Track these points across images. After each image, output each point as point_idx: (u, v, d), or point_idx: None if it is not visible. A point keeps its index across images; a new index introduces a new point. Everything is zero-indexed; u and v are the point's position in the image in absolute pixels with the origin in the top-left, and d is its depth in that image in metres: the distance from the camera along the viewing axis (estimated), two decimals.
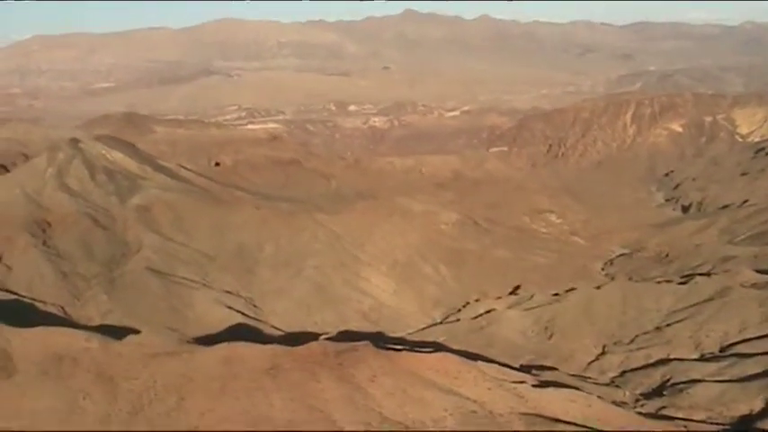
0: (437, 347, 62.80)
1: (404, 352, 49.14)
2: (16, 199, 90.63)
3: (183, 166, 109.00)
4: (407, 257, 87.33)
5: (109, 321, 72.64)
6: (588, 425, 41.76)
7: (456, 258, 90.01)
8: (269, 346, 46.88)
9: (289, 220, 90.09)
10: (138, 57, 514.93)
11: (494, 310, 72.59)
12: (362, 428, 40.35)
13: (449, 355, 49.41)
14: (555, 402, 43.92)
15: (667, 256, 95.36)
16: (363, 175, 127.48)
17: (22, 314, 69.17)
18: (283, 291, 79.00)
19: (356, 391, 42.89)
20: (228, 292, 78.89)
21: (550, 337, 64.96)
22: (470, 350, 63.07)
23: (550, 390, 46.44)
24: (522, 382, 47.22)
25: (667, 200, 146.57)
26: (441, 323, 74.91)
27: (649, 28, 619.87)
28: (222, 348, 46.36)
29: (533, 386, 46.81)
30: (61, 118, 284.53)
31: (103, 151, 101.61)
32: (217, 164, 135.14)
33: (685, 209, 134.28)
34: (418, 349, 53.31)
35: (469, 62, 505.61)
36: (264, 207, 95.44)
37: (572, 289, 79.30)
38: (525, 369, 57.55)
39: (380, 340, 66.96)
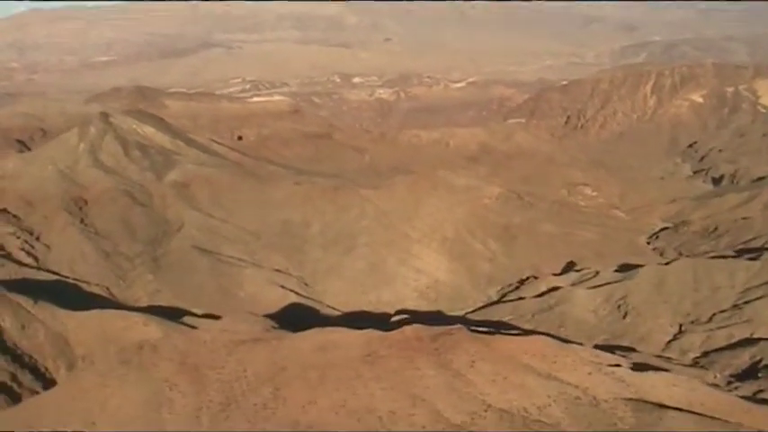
0: (507, 327, 60.69)
1: (498, 335, 46.71)
2: (50, 176, 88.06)
3: (214, 140, 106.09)
4: (456, 233, 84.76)
5: (157, 302, 70.60)
6: (694, 410, 39.46)
7: (504, 234, 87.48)
8: (362, 332, 44.37)
9: (333, 196, 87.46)
10: (136, 30, 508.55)
11: (558, 288, 70.13)
12: (468, 418, 38.16)
13: (543, 338, 47.07)
14: (658, 387, 41.55)
15: (716, 229, 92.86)
16: (393, 148, 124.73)
17: (67, 295, 66.84)
18: (335, 269, 76.55)
19: (456, 378, 40.61)
20: (278, 270, 76.45)
21: (625, 315, 62.63)
22: (541, 330, 60.95)
23: (650, 373, 44.09)
24: (617, 366, 44.90)
25: (695, 172, 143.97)
26: (501, 301, 72.44)
27: None
28: (314, 334, 43.92)
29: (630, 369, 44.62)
30: (63, 92, 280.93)
31: (134, 126, 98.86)
32: (239, 137, 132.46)
33: (716, 181, 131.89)
34: (505, 332, 50.98)
35: (471, 33, 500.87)
36: (303, 182, 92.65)
37: (627, 265, 77.22)
38: (602, 350, 55.28)
39: (443, 320, 64.71)
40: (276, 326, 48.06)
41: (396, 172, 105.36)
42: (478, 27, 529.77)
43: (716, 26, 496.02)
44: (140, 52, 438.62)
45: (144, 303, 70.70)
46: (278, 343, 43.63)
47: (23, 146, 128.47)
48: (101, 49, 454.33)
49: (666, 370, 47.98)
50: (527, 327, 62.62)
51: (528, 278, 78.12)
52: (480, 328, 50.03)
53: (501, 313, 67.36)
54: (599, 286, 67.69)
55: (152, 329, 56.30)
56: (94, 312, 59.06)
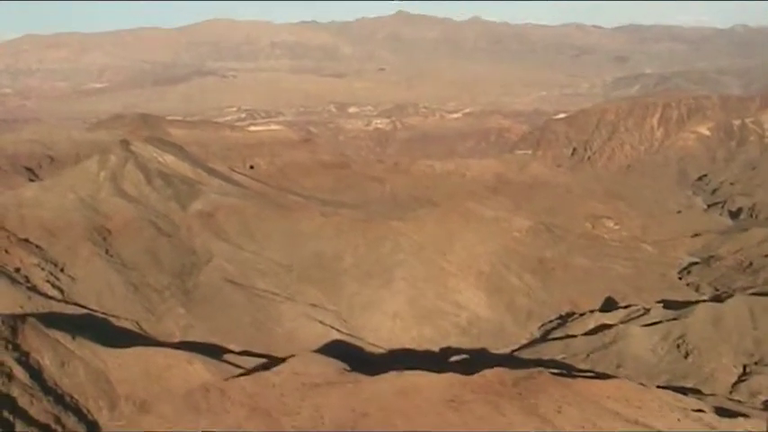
0: (563, 366, 58.42)
1: (579, 378, 44.46)
2: (71, 205, 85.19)
3: (233, 169, 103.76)
4: (491, 267, 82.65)
5: (191, 337, 68.07)
6: None
7: (538, 267, 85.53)
8: (443, 376, 42.00)
9: (365, 228, 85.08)
10: (130, 57, 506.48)
11: (607, 325, 67.98)
12: None
13: (624, 380, 44.90)
14: None
15: (751, 265, 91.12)
16: (409, 178, 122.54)
17: (99, 330, 63.96)
18: (374, 304, 74.06)
19: (545, 425, 38.44)
20: (314, 305, 73.80)
21: (686, 355, 60.38)
22: (599, 370, 58.84)
23: (740, 420, 42.00)
24: (701, 411, 42.74)
25: (710, 205, 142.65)
26: (549, 339, 70.12)
27: (641, 30, 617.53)
28: (394, 378, 41.44)
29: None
30: (57, 118, 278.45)
31: (155, 154, 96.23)
32: (251, 167, 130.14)
33: (733, 214, 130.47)
34: (577, 373, 48.76)
35: (464, 64, 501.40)
36: (329, 213, 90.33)
37: (666, 300, 75.41)
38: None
39: (493, 358, 62.47)
40: (348, 368, 45.33)
41: (418, 203, 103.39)
42: (471, 57, 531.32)
43: (706, 58, 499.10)
44: (133, 79, 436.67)
45: (177, 339, 68.08)
46: (354, 387, 41.17)
47: (32, 173, 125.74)
48: (93, 76, 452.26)
49: (746, 415, 45.85)
50: (582, 366, 60.39)
51: (573, 314, 75.90)
52: (554, 370, 47.77)
53: (551, 351, 65.03)
54: (653, 324, 65.52)
55: (197, 368, 53.76)
56: (136, 349, 56.41)
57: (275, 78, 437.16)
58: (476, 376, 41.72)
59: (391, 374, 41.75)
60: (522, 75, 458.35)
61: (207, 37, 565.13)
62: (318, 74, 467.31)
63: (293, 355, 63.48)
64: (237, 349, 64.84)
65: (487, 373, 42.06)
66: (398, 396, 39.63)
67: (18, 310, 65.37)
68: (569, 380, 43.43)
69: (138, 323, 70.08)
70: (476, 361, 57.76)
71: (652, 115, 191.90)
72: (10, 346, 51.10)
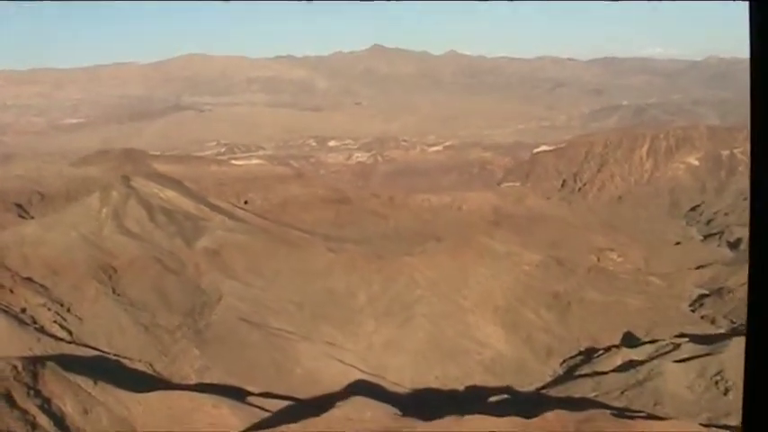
0: (598, 405, 56.69)
1: (638, 420, 42.76)
2: (74, 242, 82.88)
3: (235, 205, 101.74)
4: (506, 302, 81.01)
5: (207, 379, 65.81)
6: None
7: (554, 302, 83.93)
8: (504, 419, 40.16)
9: (378, 264, 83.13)
10: (105, 92, 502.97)
11: (635, 361, 66.36)
12: None
13: (683, 422, 43.23)
14: None
15: None
16: (409, 212, 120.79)
17: (113, 373, 61.52)
18: (394, 342, 72.03)
19: None
20: (332, 343, 71.62)
21: (726, 392, 58.79)
22: (636, 408, 57.14)
23: None
24: None
25: (705, 236, 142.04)
26: (577, 375, 68.29)
27: (615, 63, 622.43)
28: (453, 423, 39.45)
29: None
30: (35, 154, 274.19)
31: (156, 190, 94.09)
32: (245, 202, 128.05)
33: (732, 245, 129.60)
34: (632, 413, 47.04)
35: (441, 97, 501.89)
36: (337, 249, 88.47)
37: (684, 334, 74.06)
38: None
39: (522, 396, 60.73)
40: (399, 413, 43.23)
41: (422, 237, 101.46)
42: (448, 91, 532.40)
43: (681, 90, 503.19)
44: (109, 114, 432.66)
45: (193, 380, 65.80)
46: None
47: (22, 209, 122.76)
48: (69, 111, 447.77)
49: None
50: (617, 404, 58.58)
51: (594, 350, 74.24)
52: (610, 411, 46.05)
53: (582, 389, 63.24)
54: (686, 360, 63.93)
55: (223, 412, 51.79)
56: (159, 394, 54.28)
57: (252, 112, 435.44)
58: (537, 419, 39.93)
59: (448, 420, 39.76)
60: (500, 107, 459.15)
61: (182, 72, 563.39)
62: (295, 108, 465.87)
63: (315, 397, 61.54)
64: (257, 391, 62.77)
65: (548, 415, 40.25)
66: None
67: (28, 353, 62.98)
68: (629, 421, 41.78)
69: (151, 365, 67.74)
70: (513, 401, 56.07)
71: (641, 146, 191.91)
72: (32, 393, 48.73)
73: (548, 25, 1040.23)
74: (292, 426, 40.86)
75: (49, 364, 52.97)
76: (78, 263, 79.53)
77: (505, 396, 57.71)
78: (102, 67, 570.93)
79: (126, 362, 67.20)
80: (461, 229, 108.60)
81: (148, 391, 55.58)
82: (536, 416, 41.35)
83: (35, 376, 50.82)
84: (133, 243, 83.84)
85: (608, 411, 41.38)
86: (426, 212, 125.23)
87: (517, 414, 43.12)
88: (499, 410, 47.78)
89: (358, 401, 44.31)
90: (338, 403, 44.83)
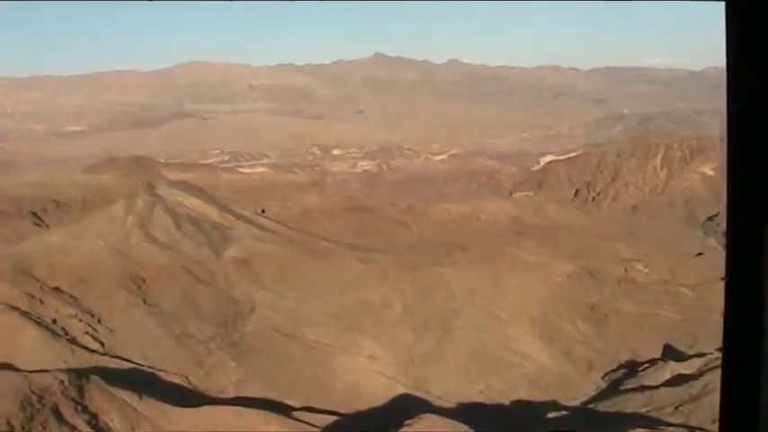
0: (654, 421, 55.16)
1: None
2: (101, 251, 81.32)
3: (257, 213, 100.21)
4: (542, 314, 79.34)
5: (245, 392, 64.20)
6: None
7: (589, 314, 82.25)
8: None
9: (413, 275, 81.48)
10: (106, 99, 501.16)
11: (686, 375, 64.74)
12: None
13: None
14: None
15: None
16: (430, 222, 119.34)
17: (150, 387, 59.89)
18: (435, 355, 70.28)
19: None
20: (372, 356, 69.97)
21: None
22: (693, 424, 55.47)
23: None
24: None
25: (725, 246, 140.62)
26: (624, 390, 66.53)
27: (617, 72, 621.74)
28: None
29: None
30: (39, 162, 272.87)
31: (180, 198, 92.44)
32: (263, 210, 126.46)
33: None
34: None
35: (443, 105, 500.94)
36: (366, 260, 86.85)
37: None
38: None
39: (572, 412, 59.15)
40: (469, 429, 41.48)
41: (448, 247, 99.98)
42: (450, 99, 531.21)
43: (683, 99, 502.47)
44: (111, 121, 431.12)
45: (231, 394, 64.24)
46: None
47: (37, 217, 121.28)
48: (70, 119, 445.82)
49: None
50: (672, 420, 56.88)
51: (635, 363, 72.57)
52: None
53: (632, 404, 61.41)
54: None
55: (273, 429, 50.03)
56: (205, 409, 52.77)
57: (255, 120, 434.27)
58: None
59: None
60: (502, 116, 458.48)
61: (183, 79, 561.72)
62: (297, 115, 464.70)
63: (359, 411, 59.89)
64: (297, 405, 61.23)
65: None
66: None
67: (62, 365, 61.41)
68: None
69: (186, 377, 66.06)
70: (572, 417, 54.57)
71: (654, 156, 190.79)
72: (79, 408, 47.12)
73: (548, 34, 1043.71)
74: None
75: (94, 377, 51.45)
76: (106, 272, 78.00)
77: (563, 412, 55.98)
78: (103, 74, 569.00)
79: (161, 374, 65.54)
80: (486, 238, 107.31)
81: (186, 406, 54.03)
82: None
83: (81, 390, 49.31)
84: (161, 252, 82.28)
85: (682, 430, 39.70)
86: (447, 222, 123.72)
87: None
88: (561, 427, 46.19)
89: (429, 419, 42.46)
90: (407, 421, 42.99)
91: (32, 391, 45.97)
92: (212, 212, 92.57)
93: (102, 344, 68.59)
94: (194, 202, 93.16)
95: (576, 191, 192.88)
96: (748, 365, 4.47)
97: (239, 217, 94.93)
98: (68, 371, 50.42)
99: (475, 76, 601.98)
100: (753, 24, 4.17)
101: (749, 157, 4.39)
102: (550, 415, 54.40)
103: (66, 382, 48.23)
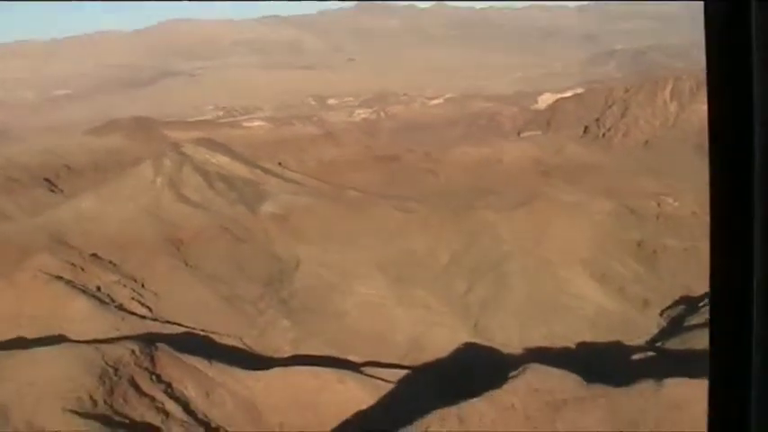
0: None
1: None
2: (134, 215, 79.22)
3: (286, 168, 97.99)
4: (591, 254, 77.58)
5: (304, 351, 62.34)
6: None
7: (637, 251, 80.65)
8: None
9: (455, 221, 79.50)
10: (90, 63, 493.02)
11: None
12: None
13: None
14: None
15: None
16: (458, 167, 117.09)
17: (207, 350, 58.04)
18: (491, 302, 68.46)
19: None
20: (427, 306, 68.23)
21: None
22: None
23: None
24: None
25: None
26: (689, 326, 65.01)
27: (606, 8, 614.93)
28: (653, 389, 35.98)
29: None
30: (32, 129, 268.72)
31: (207, 156, 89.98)
32: (279, 164, 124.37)
33: None
34: None
35: (432, 50, 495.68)
36: (403, 209, 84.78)
37: None
38: None
39: (659, 354, 57.47)
40: (581, 379, 39.65)
41: (479, 192, 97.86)
42: (437, 44, 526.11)
43: (676, 34, 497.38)
44: (99, 85, 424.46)
45: (287, 353, 62.48)
46: (608, 402, 35.73)
47: (51, 184, 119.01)
48: (58, 84, 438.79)
49: None
50: None
51: (697, 300, 70.96)
52: None
53: (702, 342, 59.92)
54: None
55: (350, 387, 48.37)
56: (278, 371, 50.92)
57: (244, 75, 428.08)
58: None
59: (647, 384, 36.34)
60: (493, 58, 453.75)
61: (167, 38, 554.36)
62: (287, 68, 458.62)
63: (426, 363, 58.30)
64: (359, 361, 59.47)
65: None
66: (670, 410, 34.25)
67: (115, 333, 59.73)
68: None
69: (240, 339, 64.33)
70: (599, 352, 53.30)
71: (663, 89, 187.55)
72: (154, 377, 45.26)
73: None
74: (474, 401, 37.31)
75: (161, 345, 49.54)
76: (142, 236, 76.02)
77: (650, 353, 54.34)
78: (85, 36, 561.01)
79: (215, 337, 63.78)
80: (514, 181, 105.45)
81: (249, 368, 52.28)
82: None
83: (152, 359, 47.46)
84: (195, 212, 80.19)
85: None
86: (470, 166, 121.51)
87: (667, 372, 39.95)
88: (659, 370, 44.45)
89: (538, 369, 40.66)
90: (520, 374, 41.10)
91: (107, 363, 44.09)
92: (241, 169, 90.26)
93: (149, 309, 66.74)
94: (222, 159, 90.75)
95: (586, 128, 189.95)
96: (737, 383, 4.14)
97: (267, 172, 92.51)
98: (138, 340, 48.46)
99: (462, 20, 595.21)
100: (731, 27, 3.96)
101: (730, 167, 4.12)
102: (635, 357, 52.67)
103: (138, 352, 46.36)
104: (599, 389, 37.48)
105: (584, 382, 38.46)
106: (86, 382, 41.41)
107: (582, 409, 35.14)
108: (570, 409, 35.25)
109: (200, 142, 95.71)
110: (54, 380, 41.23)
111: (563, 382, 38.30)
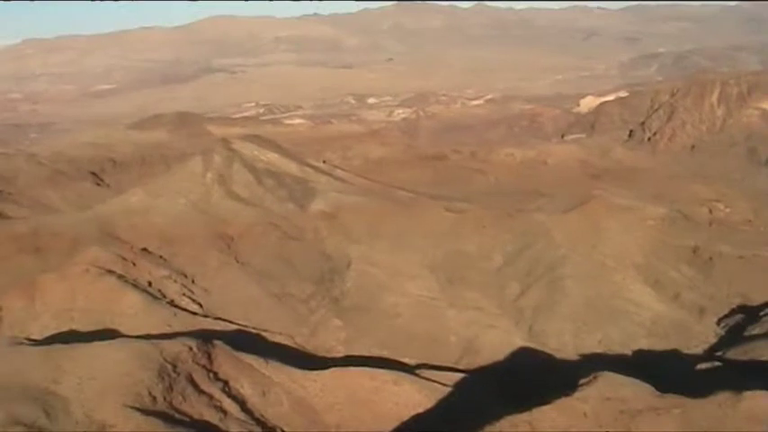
0: None
1: None
2: (183, 210, 79.06)
3: (335, 166, 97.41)
4: (645, 259, 76.14)
5: (356, 351, 61.68)
6: None
7: (692, 258, 78.95)
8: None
9: (509, 223, 78.40)
10: (133, 57, 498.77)
11: None
12: None
13: None
14: None
15: None
16: (507, 168, 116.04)
17: (260, 349, 57.37)
18: (546, 306, 67.27)
19: None
20: (480, 308, 67.28)
21: None
22: None
23: None
24: None
25: None
26: (750, 336, 63.49)
27: (647, 10, 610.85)
28: (733, 400, 34.84)
29: None
30: (74, 122, 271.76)
31: (256, 152, 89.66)
32: (323, 161, 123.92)
33: None
34: None
35: (472, 51, 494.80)
36: (456, 209, 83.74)
37: None
38: None
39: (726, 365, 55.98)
40: (653, 389, 38.59)
41: (529, 194, 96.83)
42: (478, 44, 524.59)
43: (717, 36, 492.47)
44: (141, 79, 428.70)
45: (340, 353, 61.90)
46: (683, 414, 34.61)
47: (97, 177, 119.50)
48: (100, 78, 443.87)
49: None
50: None
51: (757, 309, 69.38)
52: None
53: (763, 351, 58.46)
54: None
55: (406, 389, 47.51)
56: (334, 371, 50.03)
57: (284, 72, 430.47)
58: None
59: (725, 396, 35.19)
60: (533, 59, 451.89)
61: (209, 35, 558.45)
62: (326, 66, 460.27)
63: (481, 367, 57.36)
64: (413, 363, 58.66)
65: None
66: (748, 422, 33.12)
67: (167, 329, 59.45)
68: None
69: (292, 338, 63.80)
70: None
71: (710, 93, 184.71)
72: (211, 375, 44.78)
73: None
74: (545, 408, 36.38)
75: (218, 343, 49.03)
76: (192, 231, 75.77)
77: (716, 363, 52.96)
78: (128, 32, 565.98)
79: (266, 335, 63.34)
80: (563, 183, 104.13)
81: (304, 368, 51.57)
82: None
83: (209, 357, 46.97)
84: (245, 209, 79.90)
85: None
86: (517, 167, 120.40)
87: (733, 384, 38.75)
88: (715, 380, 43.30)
89: (609, 377, 39.64)
90: (591, 382, 40.10)
91: (166, 360, 43.64)
92: (290, 166, 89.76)
93: (200, 305, 66.47)
94: (271, 156, 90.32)
95: (631, 131, 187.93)
96: None
97: (316, 169, 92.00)
98: (195, 337, 47.99)
99: (502, 20, 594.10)
100: None
101: None
102: (701, 366, 51.35)
103: (195, 349, 45.86)
104: (673, 399, 36.41)
105: (657, 392, 37.40)
106: (145, 377, 40.99)
107: (656, 420, 34.12)
108: (644, 420, 34.23)
109: (249, 138, 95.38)
110: (114, 375, 40.86)
111: (636, 391, 37.30)
